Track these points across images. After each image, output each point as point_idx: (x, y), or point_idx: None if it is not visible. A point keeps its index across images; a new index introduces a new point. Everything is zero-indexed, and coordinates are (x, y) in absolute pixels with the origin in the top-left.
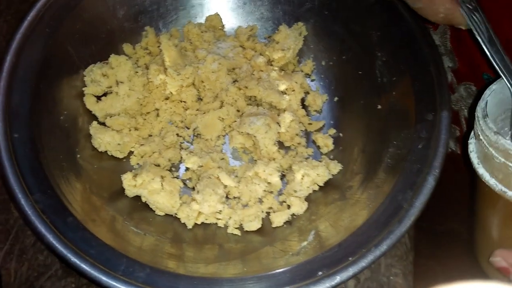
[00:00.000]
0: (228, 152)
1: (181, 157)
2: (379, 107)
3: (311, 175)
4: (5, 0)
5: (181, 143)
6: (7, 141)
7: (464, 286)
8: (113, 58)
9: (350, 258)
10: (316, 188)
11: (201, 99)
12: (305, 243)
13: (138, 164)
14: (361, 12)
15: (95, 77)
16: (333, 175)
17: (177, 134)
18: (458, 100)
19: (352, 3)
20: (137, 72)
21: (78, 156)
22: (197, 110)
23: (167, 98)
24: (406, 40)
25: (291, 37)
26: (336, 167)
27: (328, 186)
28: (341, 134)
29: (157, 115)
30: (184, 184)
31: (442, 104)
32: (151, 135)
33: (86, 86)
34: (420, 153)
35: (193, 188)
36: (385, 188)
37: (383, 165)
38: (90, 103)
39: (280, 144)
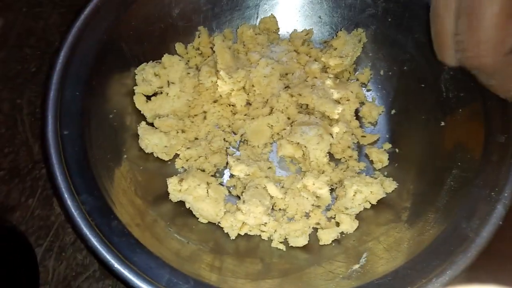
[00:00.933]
0: (274, 161)
1: (227, 163)
2: (443, 124)
3: (364, 192)
4: None
5: (226, 148)
6: (57, 138)
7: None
8: (166, 58)
9: None
10: (368, 206)
11: (250, 104)
12: (356, 266)
13: (182, 167)
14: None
15: (146, 76)
16: (387, 193)
17: (224, 139)
18: None
19: (421, 11)
20: (188, 74)
21: (125, 156)
22: (245, 115)
23: (215, 101)
24: None
25: (350, 44)
26: (391, 185)
27: (381, 205)
28: (397, 150)
29: (204, 118)
30: (229, 191)
31: None
32: (197, 138)
33: (136, 85)
34: (489, 178)
35: (238, 196)
36: (447, 213)
37: (446, 188)
38: (139, 102)
39: (331, 156)
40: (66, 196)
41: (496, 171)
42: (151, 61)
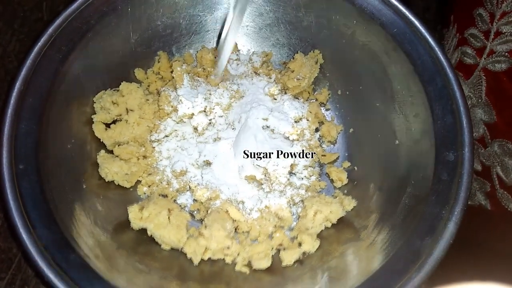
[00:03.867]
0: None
1: (189, 187)
2: (397, 142)
3: (324, 212)
4: (19, 19)
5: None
6: (12, 173)
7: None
8: (124, 86)
9: None
10: (329, 225)
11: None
12: (317, 286)
13: (145, 193)
14: (382, 42)
15: (105, 105)
16: (347, 211)
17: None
18: (490, 155)
19: (372, 33)
20: (147, 100)
21: (84, 186)
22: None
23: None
24: (429, 75)
25: (307, 66)
26: (350, 204)
27: (341, 223)
28: (356, 168)
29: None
30: (192, 215)
31: (465, 145)
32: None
33: (95, 113)
34: (440, 196)
35: (201, 220)
36: (402, 231)
37: (401, 206)
38: (99, 130)
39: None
40: (21, 231)
41: (446, 189)
42: (109, 88)
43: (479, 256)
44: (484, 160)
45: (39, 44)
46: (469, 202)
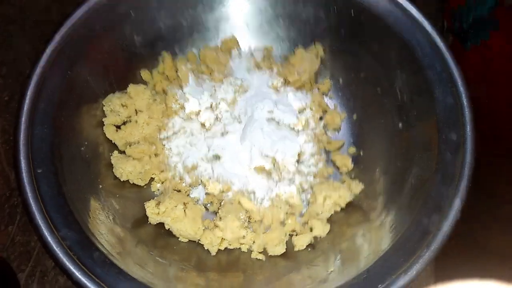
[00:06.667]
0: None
1: (201, 181)
2: (400, 126)
3: (332, 197)
4: (30, 22)
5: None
6: (31, 177)
7: (463, 286)
8: (131, 88)
9: (379, 286)
10: (338, 209)
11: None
12: (331, 269)
13: (158, 190)
14: (379, 30)
15: (114, 107)
16: (355, 195)
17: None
18: None
19: (370, 22)
20: (155, 100)
21: (100, 186)
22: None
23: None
24: (428, 60)
25: (307, 60)
26: (357, 187)
27: (350, 207)
28: (361, 153)
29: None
30: (206, 208)
31: (466, 124)
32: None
33: (105, 115)
34: (445, 175)
35: (215, 212)
36: (410, 210)
37: (407, 186)
38: (110, 132)
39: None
40: (46, 233)
41: (450, 168)
42: (117, 91)
43: (479, 255)
44: None
45: (48, 51)
46: None
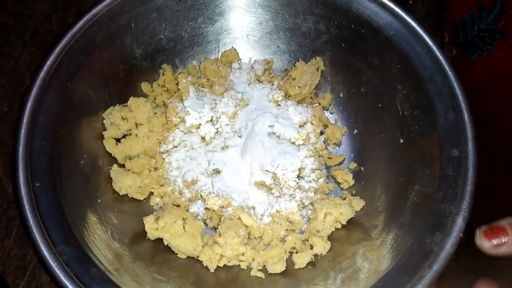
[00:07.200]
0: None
1: (200, 196)
2: (401, 141)
3: (333, 214)
4: (29, 31)
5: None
6: (29, 191)
7: None
8: (132, 101)
9: None
10: (339, 226)
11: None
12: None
13: (157, 204)
14: (380, 43)
15: (114, 120)
16: (356, 212)
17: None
18: None
19: (370, 36)
20: (155, 113)
21: (99, 200)
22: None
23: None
24: (429, 74)
25: (308, 73)
26: (358, 204)
27: (351, 224)
28: (362, 168)
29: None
30: (205, 224)
31: (468, 140)
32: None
33: (105, 128)
34: (448, 192)
35: (214, 228)
36: (412, 228)
37: (409, 204)
38: (109, 145)
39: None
40: (43, 248)
41: (453, 184)
42: (117, 104)
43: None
44: None
45: (48, 63)
46: None
